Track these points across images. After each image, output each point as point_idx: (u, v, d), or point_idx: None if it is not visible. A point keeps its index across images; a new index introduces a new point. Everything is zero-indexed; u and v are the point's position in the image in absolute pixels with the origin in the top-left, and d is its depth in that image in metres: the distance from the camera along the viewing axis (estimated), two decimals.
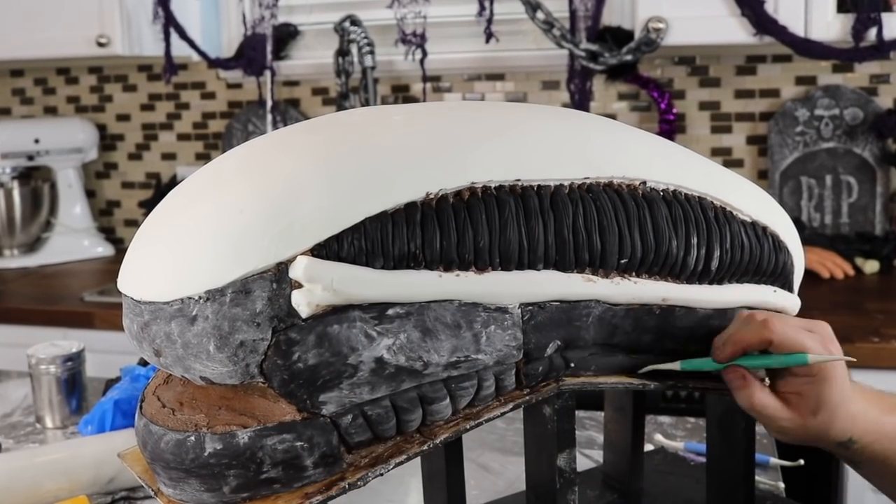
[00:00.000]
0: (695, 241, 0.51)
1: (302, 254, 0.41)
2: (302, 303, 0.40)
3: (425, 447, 0.44)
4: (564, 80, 1.62)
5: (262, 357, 0.41)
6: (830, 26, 1.37)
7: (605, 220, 0.48)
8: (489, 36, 1.57)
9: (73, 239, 1.89)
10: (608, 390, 0.66)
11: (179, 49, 1.74)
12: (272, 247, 0.40)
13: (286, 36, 1.82)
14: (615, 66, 1.53)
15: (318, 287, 0.40)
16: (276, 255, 0.40)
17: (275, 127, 1.78)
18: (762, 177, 1.64)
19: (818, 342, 0.49)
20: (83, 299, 1.55)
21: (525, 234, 0.45)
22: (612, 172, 0.49)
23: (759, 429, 0.85)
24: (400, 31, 1.64)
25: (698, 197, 0.52)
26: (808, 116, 1.59)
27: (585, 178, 0.48)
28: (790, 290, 0.59)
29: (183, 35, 1.71)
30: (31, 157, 1.85)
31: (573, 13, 1.55)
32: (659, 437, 0.84)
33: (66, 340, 0.97)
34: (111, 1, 1.64)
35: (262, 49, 1.72)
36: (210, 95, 1.92)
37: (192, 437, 0.42)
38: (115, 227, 2.02)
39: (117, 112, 1.98)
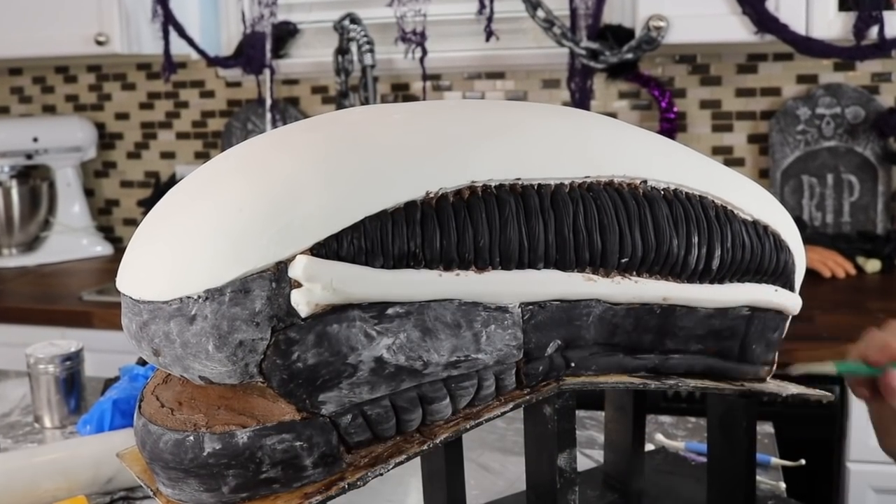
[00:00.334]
0: (696, 240, 0.51)
1: (301, 253, 0.40)
2: (301, 302, 0.40)
3: (425, 447, 0.44)
4: (565, 78, 1.62)
5: (262, 357, 0.41)
6: (832, 24, 1.36)
7: (605, 219, 0.47)
8: (489, 34, 1.57)
9: (71, 238, 1.89)
10: (609, 390, 0.66)
11: (178, 47, 1.74)
12: (271, 246, 0.40)
13: (285, 34, 1.82)
14: (616, 64, 1.53)
15: (317, 286, 0.40)
16: (276, 255, 0.40)
17: (274, 125, 1.77)
18: (763, 175, 1.64)
19: None
20: (82, 298, 1.55)
21: (525, 234, 0.45)
22: (612, 171, 0.49)
23: (761, 428, 0.85)
24: (400, 29, 1.64)
25: (699, 196, 0.52)
26: (810, 115, 1.59)
27: (586, 177, 0.48)
28: (791, 289, 0.59)
29: (182, 33, 1.70)
30: (29, 156, 1.85)
31: (574, 11, 1.55)
32: (660, 437, 0.84)
33: (64, 340, 0.97)
34: None
35: (261, 47, 1.72)
36: (209, 94, 1.91)
37: (191, 437, 0.42)
38: (113, 226, 2.02)
39: (116, 111, 1.98)
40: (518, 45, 1.72)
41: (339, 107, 1.70)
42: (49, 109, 2.02)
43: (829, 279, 1.47)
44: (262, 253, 0.40)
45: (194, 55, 1.78)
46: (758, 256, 0.54)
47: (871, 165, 1.58)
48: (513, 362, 0.46)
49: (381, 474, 0.43)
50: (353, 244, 0.41)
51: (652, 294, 0.50)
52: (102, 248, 1.92)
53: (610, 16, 1.61)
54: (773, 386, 0.59)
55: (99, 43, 1.65)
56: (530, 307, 0.46)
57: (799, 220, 1.57)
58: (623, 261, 0.48)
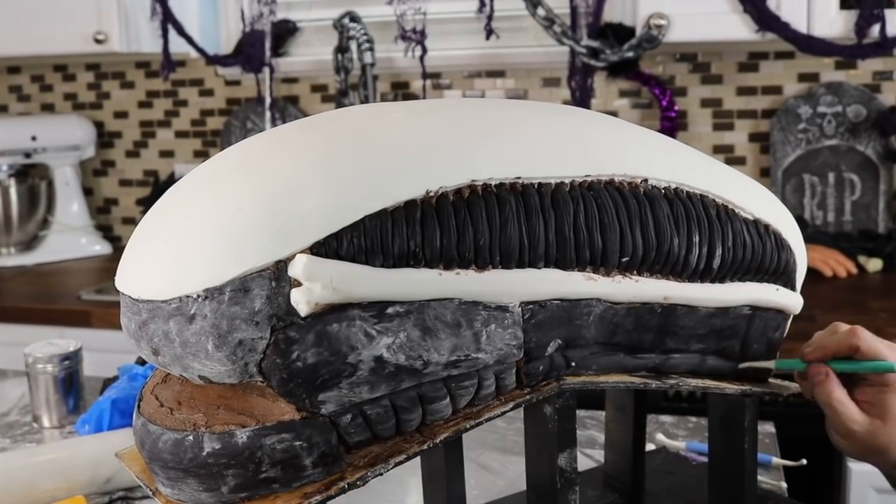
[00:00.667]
0: (696, 239, 0.51)
1: (301, 252, 0.40)
2: (301, 301, 0.40)
3: (425, 447, 0.44)
4: (565, 77, 1.62)
5: (261, 356, 0.41)
6: (833, 23, 1.36)
7: (606, 218, 0.47)
8: (489, 32, 1.56)
9: (70, 237, 1.88)
10: (609, 389, 0.65)
11: (177, 46, 1.74)
12: (271, 245, 0.40)
13: (285, 32, 1.82)
14: (616, 62, 1.53)
15: (317, 285, 0.40)
16: (275, 254, 0.40)
17: (273, 124, 1.77)
18: (764, 174, 1.64)
19: None
20: (80, 298, 1.55)
21: (526, 233, 0.45)
22: (613, 170, 0.49)
23: (762, 428, 0.85)
24: (399, 27, 1.64)
25: (700, 195, 0.52)
26: (811, 114, 1.59)
27: (586, 176, 0.48)
28: (793, 288, 0.59)
29: (181, 32, 1.70)
30: (28, 155, 1.85)
31: (574, 9, 1.55)
32: (660, 437, 0.84)
33: (63, 339, 0.96)
34: None
35: (260, 46, 1.71)
36: (208, 92, 1.91)
37: (191, 437, 0.42)
38: (112, 225, 2.01)
39: (115, 109, 1.98)
40: (518, 44, 1.72)
41: (339, 105, 1.70)
42: (48, 108, 2.02)
43: (831, 278, 1.47)
44: (262, 252, 0.40)
45: (193, 53, 1.78)
46: (759, 255, 0.54)
47: (872, 164, 1.58)
48: (513, 362, 0.46)
49: (381, 474, 0.43)
50: (353, 243, 0.41)
51: (653, 293, 0.50)
52: (101, 248, 1.91)
53: (610, 14, 1.61)
54: (774, 385, 0.59)
55: (98, 41, 1.65)
56: (531, 306, 0.46)
57: (800, 219, 1.57)
58: (624, 260, 0.48)
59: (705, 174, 0.53)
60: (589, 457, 0.81)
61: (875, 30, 1.35)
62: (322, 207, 0.41)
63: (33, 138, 1.83)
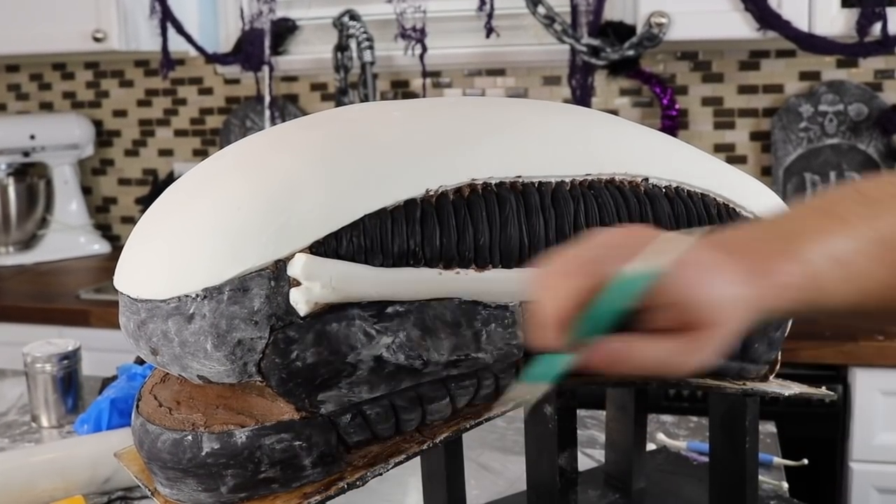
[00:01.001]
0: None
1: (300, 251, 0.40)
2: (300, 301, 0.40)
3: (425, 446, 0.44)
4: (566, 75, 1.62)
5: (260, 356, 0.41)
6: (834, 21, 1.36)
7: (606, 217, 0.47)
8: (490, 31, 1.56)
9: (69, 236, 1.88)
10: (610, 389, 0.65)
11: (176, 44, 1.73)
12: (270, 244, 0.40)
13: (284, 31, 1.81)
14: (617, 61, 1.52)
15: (316, 285, 0.40)
16: (274, 253, 0.40)
17: (273, 123, 1.77)
18: (765, 173, 1.63)
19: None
20: (79, 297, 1.55)
21: (526, 232, 0.45)
22: (613, 169, 0.48)
23: (763, 428, 0.85)
24: (399, 25, 1.63)
25: (701, 194, 0.52)
26: (812, 112, 1.59)
27: (587, 175, 0.47)
28: None
29: (180, 30, 1.70)
30: (26, 154, 1.85)
31: (574, 8, 1.54)
32: (661, 437, 0.84)
33: (61, 339, 0.96)
34: None
35: (260, 44, 1.71)
36: (207, 91, 1.91)
37: (190, 437, 0.41)
38: (111, 225, 2.01)
39: (114, 108, 1.97)
40: (519, 42, 1.71)
41: (339, 104, 1.70)
42: (46, 107, 2.01)
43: None
44: (261, 251, 0.40)
45: (192, 52, 1.77)
46: None
47: (874, 163, 1.58)
48: (513, 361, 0.46)
49: (381, 474, 0.43)
50: (353, 242, 0.41)
51: None
52: (100, 247, 1.91)
53: (611, 12, 1.60)
54: (775, 385, 0.59)
55: (96, 40, 1.64)
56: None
57: None
58: None
59: (706, 173, 0.53)
60: (589, 457, 0.81)
61: (877, 28, 1.34)
62: (321, 207, 0.41)
63: (32, 137, 1.83)
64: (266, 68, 1.74)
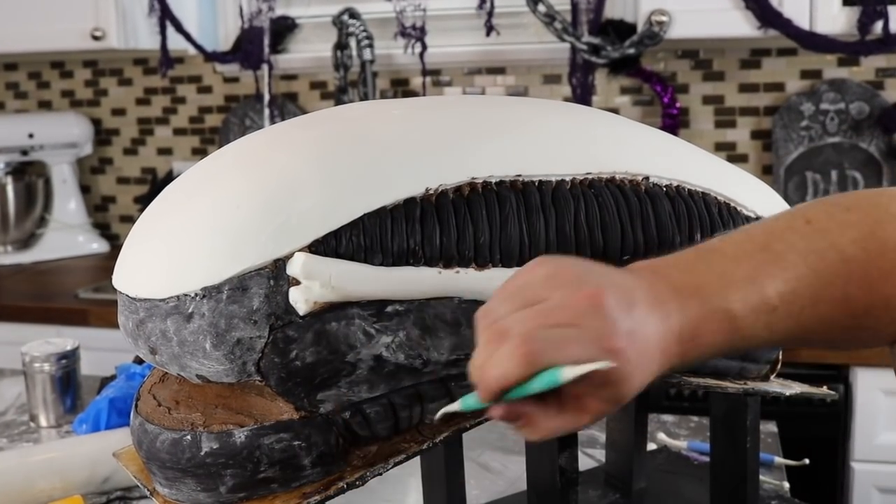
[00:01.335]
0: (698, 237, 0.50)
1: (299, 250, 0.40)
2: (300, 300, 0.40)
3: (425, 446, 0.43)
4: (566, 73, 1.61)
5: (260, 355, 0.40)
6: (836, 19, 1.36)
7: (607, 217, 0.47)
8: (490, 29, 1.56)
9: (67, 235, 1.88)
10: None
11: (175, 42, 1.73)
12: (269, 243, 0.40)
13: (284, 29, 1.81)
14: (617, 59, 1.52)
15: (315, 284, 0.40)
16: (274, 252, 0.40)
17: (272, 121, 1.77)
18: (767, 172, 1.63)
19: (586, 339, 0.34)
20: (78, 296, 1.54)
21: (526, 231, 0.44)
22: (614, 168, 0.48)
23: (764, 428, 0.85)
24: (399, 24, 1.63)
25: (702, 193, 0.52)
26: (814, 111, 1.58)
27: (587, 174, 0.47)
28: None
29: (179, 28, 1.70)
30: (25, 152, 1.84)
31: (575, 6, 1.54)
32: (662, 436, 0.84)
33: (60, 338, 0.96)
34: None
35: (259, 42, 1.71)
36: (206, 90, 1.90)
37: (189, 437, 0.41)
38: (110, 224, 2.01)
39: (112, 106, 1.97)
40: (519, 40, 1.71)
41: (338, 102, 1.69)
42: (45, 105, 2.01)
43: None
44: (260, 250, 0.40)
45: (191, 50, 1.77)
46: None
47: (875, 162, 1.58)
48: None
49: (380, 474, 0.43)
50: (352, 241, 0.41)
51: None
52: (98, 246, 1.91)
53: (611, 10, 1.60)
54: (776, 385, 0.59)
55: (95, 38, 1.64)
56: None
57: None
58: (625, 258, 0.48)
59: (707, 172, 0.53)
60: (590, 456, 0.80)
61: (878, 26, 1.34)
62: (321, 205, 0.40)
63: (30, 136, 1.83)
64: (265, 67, 1.74)
